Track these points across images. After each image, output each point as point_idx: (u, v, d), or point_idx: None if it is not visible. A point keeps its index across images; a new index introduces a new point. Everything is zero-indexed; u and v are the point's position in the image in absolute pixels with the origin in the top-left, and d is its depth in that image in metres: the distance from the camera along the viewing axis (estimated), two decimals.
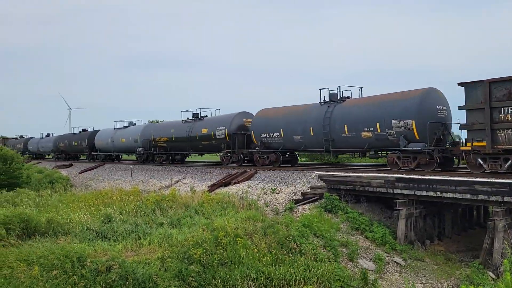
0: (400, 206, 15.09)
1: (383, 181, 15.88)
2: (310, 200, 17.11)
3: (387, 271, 13.25)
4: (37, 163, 51.04)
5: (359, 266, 13.06)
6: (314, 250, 12.49)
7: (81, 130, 49.49)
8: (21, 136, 72.31)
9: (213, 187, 21.72)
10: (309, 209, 16.40)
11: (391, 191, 15.61)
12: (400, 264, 13.67)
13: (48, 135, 61.40)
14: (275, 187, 19.44)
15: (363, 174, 17.10)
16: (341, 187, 17.31)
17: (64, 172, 38.68)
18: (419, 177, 15.27)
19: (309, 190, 17.89)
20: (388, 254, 14.12)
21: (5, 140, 72.51)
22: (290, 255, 12.05)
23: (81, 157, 52.49)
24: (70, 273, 9.67)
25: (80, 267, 9.83)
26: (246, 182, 21.49)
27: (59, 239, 12.19)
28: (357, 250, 13.77)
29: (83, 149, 46.74)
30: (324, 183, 18.09)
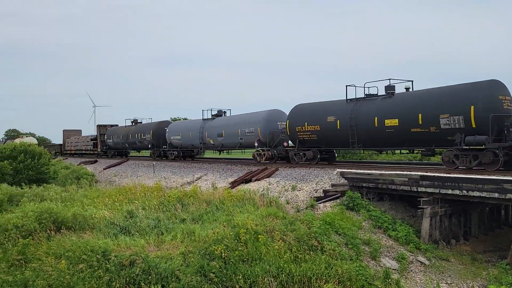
0: (424, 204, 14.81)
1: (406, 179, 15.62)
2: (331, 197, 16.98)
3: (411, 271, 13.04)
4: (63, 159, 52.29)
5: (382, 265, 12.90)
6: (336, 248, 12.40)
7: (133, 121, 44.39)
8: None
9: (234, 184, 21.81)
10: (330, 206, 16.29)
11: (415, 189, 15.33)
12: (424, 264, 13.44)
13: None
14: (296, 184, 19.37)
15: (386, 172, 16.86)
16: (363, 184, 17.12)
17: (89, 168, 39.44)
18: (444, 175, 14.95)
19: (331, 188, 17.76)
20: (412, 253, 13.90)
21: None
22: (311, 252, 11.99)
23: (134, 154, 49.02)
24: (96, 267, 9.89)
25: (105, 261, 10.04)
26: (267, 179, 21.50)
27: (85, 234, 12.48)
28: (379, 249, 13.60)
29: (145, 145, 40.11)
30: (346, 181, 17.92)
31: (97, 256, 10.24)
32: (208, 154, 39.14)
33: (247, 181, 21.90)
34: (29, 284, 9.45)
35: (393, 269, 12.72)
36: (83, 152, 55.48)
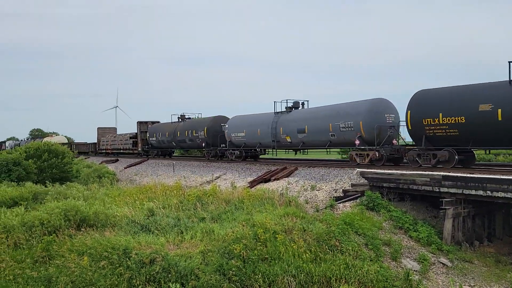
0: (446, 205, 14.53)
1: (428, 179, 15.35)
2: (351, 197, 16.82)
3: (433, 272, 12.82)
4: (85, 158, 53.25)
5: (403, 266, 12.72)
6: (356, 248, 12.28)
7: (180, 117, 39.05)
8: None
9: (253, 183, 21.83)
10: (350, 206, 16.14)
11: (437, 190, 15.06)
12: (447, 265, 13.19)
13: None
14: (315, 184, 19.26)
15: (407, 172, 16.61)
16: (384, 184, 16.90)
17: (110, 167, 40.06)
18: (468, 175, 14.64)
19: (350, 188, 17.59)
20: (434, 254, 13.66)
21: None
22: (331, 252, 11.91)
23: (179, 153, 44.82)
24: (117, 264, 10.04)
25: (125, 259, 10.18)
26: (286, 178, 21.45)
27: (106, 231, 12.68)
28: (400, 250, 13.41)
29: (197, 144, 34.57)
30: (366, 181, 17.73)
31: (118, 253, 10.39)
32: (264, 155, 32.21)
33: (266, 180, 21.89)
34: (52, 280, 9.65)
35: (414, 271, 12.52)
36: (121, 151, 50.61)
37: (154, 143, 42.11)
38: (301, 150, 26.62)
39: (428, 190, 15.44)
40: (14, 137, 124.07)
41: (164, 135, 39.36)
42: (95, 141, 62.30)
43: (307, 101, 26.87)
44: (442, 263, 13.26)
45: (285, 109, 26.56)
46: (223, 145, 31.21)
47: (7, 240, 12.00)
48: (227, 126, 30.73)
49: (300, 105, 26.73)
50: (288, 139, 25.25)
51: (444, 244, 14.20)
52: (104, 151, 56.61)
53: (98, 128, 62.41)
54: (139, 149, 45.39)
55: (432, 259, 13.37)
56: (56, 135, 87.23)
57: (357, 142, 20.93)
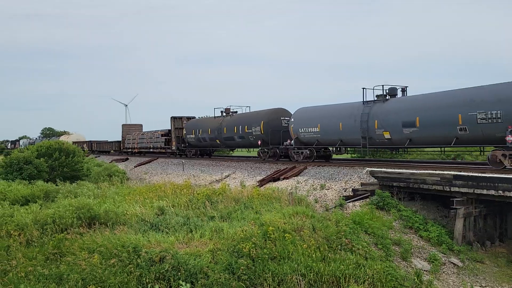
0: (457, 205, 14.40)
1: (439, 179, 15.22)
2: (361, 196, 16.75)
3: (443, 272, 12.71)
4: (95, 157, 53.62)
5: (413, 266, 12.63)
6: (365, 248, 12.21)
7: (225, 111, 33.71)
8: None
9: (262, 182, 21.84)
10: (360, 206, 16.07)
11: (448, 189, 14.92)
12: (458, 265, 13.07)
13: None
14: (325, 183, 19.21)
15: (418, 171, 16.48)
16: (394, 184, 16.79)
17: (120, 166, 40.33)
18: (479, 174, 14.48)
19: (360, 187, 17.51)
20: (444, 254, 13.55)
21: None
22: (340, 252, 11.86)
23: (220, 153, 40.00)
24: (127, 262, 10.10)
25: (135, 257, 10.24)
26: (295, 177, 21.42)
27: (116, 230, 12.77)
28: (410, 249, 13.32)
29: (249, 141, 29.43)
30: (375, 180, 17.63)
31: (128, 251, 10.46)
32: (336, 155, 26.58)
33: (276, 179, 21.89)
34: (63, 278, 9.74)
35: (424, 271, 12.43)
36: (150, 150, 45.20)
37: (192, 141, 36.74)
38: (406, 150, 22.23)
39: (438, 189, 15.31)
40: (26, 136, 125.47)
41: (206, 131, 34.10)
42: (119, 139, 56.87)
43: (407, 87, 20.90)
44: (453, 263, 13.14)
45: (377, 97, 21.13)
46: (288, 142, 25.94)
47: (20, 238, 12.15)
48: (292, 120, 25.53)
49: (399, 92, 21.03)
50: (387, 135, 19.96)
51: (455, 244, 14.07)
52: (130, 150, 51.04)
53: (123, 125, 56.75)
54: (173, 148, 40.02)
55: (443, 259, 13.26)
56: (69, 134, 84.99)
57: (509, 138, 15.69)
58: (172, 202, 16.43)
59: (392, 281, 11.11)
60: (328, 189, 18.59)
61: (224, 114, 33.63)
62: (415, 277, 11.64)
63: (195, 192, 18.07)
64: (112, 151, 58.96)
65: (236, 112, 33.23)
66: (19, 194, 18.34)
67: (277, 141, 26.99)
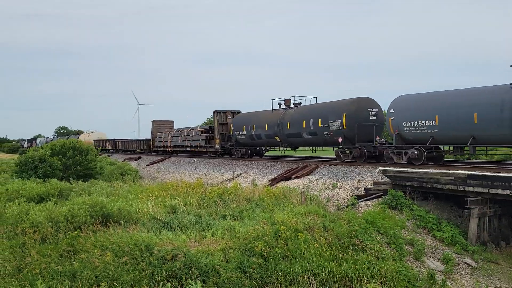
0: (472, 204, 14.21)
1: (453, 178, 15.03)
2: (373, 196, 16.63)
3: (457, 273, 12.56)
4: (109, 156, 54.13)
5: (426, 266, 12.50)
6: (378, 248, 12.13)
7: (285, 102, 28.02)
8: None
9: (274, 181, 21.81)
10: (372, 205, 15.96)
11: (462, 189, 14.74)
12: (472, 266, 12.90)
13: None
14: (337, 182, 19.12)
15: (431, 170, 16.30)
16: (407, 183, 16.63)
17: (133, 165, 40.65)
18: (494, 174, 14.27)
19: (372, 186, 17.39)
20: (458, 254, 13.39)
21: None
22: (352, 251, 11.80)
23: (273, 153, 34.18)
24: (139, 260, 10.18)
25: (148, 255, 10.30)
26: (307, 176, 21.35)
27: (129, 228, 12.87)
28: (423, 249, 13.19)
29: (324, 139, 23.80)
30: (388, 179, 17.49)
31: (140, 249, 10.54)
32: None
33: (287, 178, 21.84)
34: (77, 275, 9.84)
35: (438, 271, 12.30)
36: (187, 149, 39.99)
37: (242, 139, 31.25)
38: None
39: (452, 189, 15.13)
40: (40, 135, 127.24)
41: (261, 127, 28.72)
42: (149, 137, 50.97)
43: None
44: (467, 264, 12.98)
45: None
46: (378, 140, 21.39)
47: (34, 235, 12.31)
48: (392, 111, 19.95)
49: None
50: None
51: (469, 244, 13.90)
52: (161, 149, 45.81)
53: (153, 121, 49.97)
54: (217, 147, 34.92)
55: (457, 259, 13.10)
56: (89, 132, 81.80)
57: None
58: (184, 200, 16.51)
59: (404, 281, 11.02)
60: (340, 188, 18.50)
61: (285, 106, 27.93)
62: (429, 278, 11.52)
63: (207, 191, 18.13)
64: (138, 150, 53.98)
65: (300, 103, 27.35)
66: (34, 192, 18.60)
67: (366, 138, 21.73)
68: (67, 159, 27.81)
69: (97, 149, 39.57)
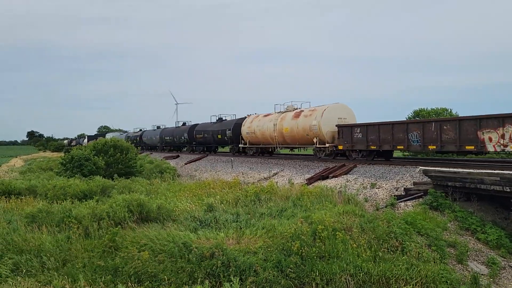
0: None
1: (498, 178, 14.40)
2: (413, 196, 16.21)
3: (503, 277, 12.05)
4: (149, 154, 55.49)
5: (469, 269, 12.07)
6: (418, 249, 11.82)
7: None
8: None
9: (310, 180, 21.67)
10: (412, 206, 15.56)
11: (508, 190, 14.10)
12: None
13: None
14: (375, 182, 18.76)
15: (475, 170, 15.70)
16: (449, 183, 16.09)
17: (171, 163, 41.46)
18: None
19: (413, 186, 16.95)
20: (504, 258, 12.83)
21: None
22: (391, 252, 11.56)
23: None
24: (178, 258, 10.38)
25: (187, 252, 10.49)
26: (344, 176, 21.08)
27: (167, 225, 13.15)
28: (467, 252, 12.73)
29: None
30: (429, 179, 16.99)
31: (179, 247, 10.73)
32: None
33: (324, 177, 21.65)
34: (118, 270, 10.15)
35: (482, 274, 11.84)
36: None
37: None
38: None
39: (497, 190, 14.50)
40: (84, 134, 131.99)
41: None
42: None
43: None
44: None
45: None
46: None
47: (78, 230, 12.79)
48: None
49: None
50: None
51: None
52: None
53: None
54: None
55: (502, 263, 12.57)
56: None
57: None
58: (221, 199, 16.69)
59: (445, 284, 10.69)
60: (378, 188, 18.14)
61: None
62: (472, 281, 11.11)
63: (244, 190, 18.25)
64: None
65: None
66: (78, 189, 19.33)
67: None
68: (109, 157, 28.71)
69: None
